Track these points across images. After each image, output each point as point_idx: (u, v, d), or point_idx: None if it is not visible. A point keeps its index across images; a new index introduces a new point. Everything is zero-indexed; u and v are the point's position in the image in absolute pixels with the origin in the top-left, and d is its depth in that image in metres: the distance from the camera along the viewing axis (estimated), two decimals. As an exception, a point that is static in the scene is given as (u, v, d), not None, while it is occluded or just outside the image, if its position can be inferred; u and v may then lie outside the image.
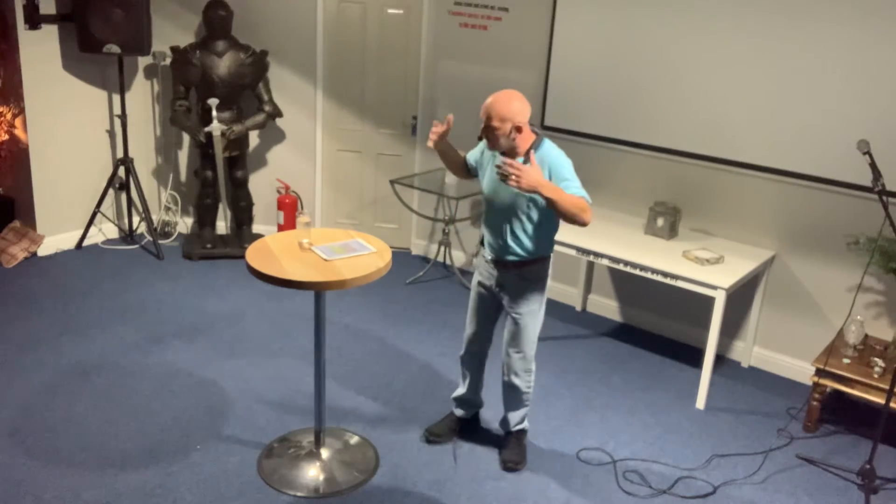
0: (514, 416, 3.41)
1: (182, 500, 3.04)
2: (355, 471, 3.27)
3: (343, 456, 3.36)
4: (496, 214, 3.13)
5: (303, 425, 3.56)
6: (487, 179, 3.14)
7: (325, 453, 3.32)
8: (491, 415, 3.68)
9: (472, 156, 3.26)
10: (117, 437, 3.40)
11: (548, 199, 2.81)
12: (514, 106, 2.90)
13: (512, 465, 3.35)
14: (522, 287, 3.16)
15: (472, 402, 3.57)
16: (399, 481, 3.24)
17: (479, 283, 3.32)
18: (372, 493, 3.15)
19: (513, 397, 3.36)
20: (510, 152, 3.02)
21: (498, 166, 2.78)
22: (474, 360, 3.47)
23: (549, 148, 3.01)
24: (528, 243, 3.09)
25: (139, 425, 3.50)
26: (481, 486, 3.22)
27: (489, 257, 3.22)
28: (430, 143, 3.15)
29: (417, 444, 3.49)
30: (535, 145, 2.98)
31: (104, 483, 3.11)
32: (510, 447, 3.42)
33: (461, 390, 3.55)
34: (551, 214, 3.01)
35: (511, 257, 3.13)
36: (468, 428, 3.61)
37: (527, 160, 2.93)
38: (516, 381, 3.29)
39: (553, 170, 2.94)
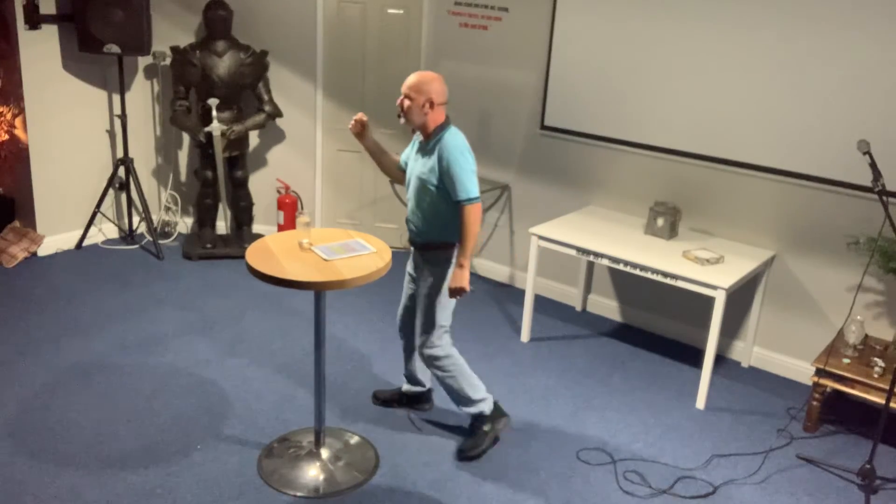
0: (457, 403, 3.48)
1: (182, 500, 3.04)
2: (355, 471, 3.27)
3: (343, 456, 3.36)
4: (411, 194, 3.30)
5: (303, 425, 3.56)
6: (410, 161, 3.34)
7: (325, 453, 3.32)
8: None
9: (403, 155, 3.43)
10: (117, 437, 3.40)
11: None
12: (433, 85, 3.12)
13: (461, 453, 3.43)
14: (425, 267, 3.30)
15: (410, 376, 3.68)
16: (399, 481, 3.24)
17: (408, 272, 3.51)
18: (372, 493, 3.16)
19: (444, 388, 3.44)
20: (422, 129, 3.20)
21: (455, 292, 3.17)
22: (402, 333, 3.61)
23: (452, 136, 3.14)
24: (431, 226, 3.23)
25: (139, 425, 3.50)
26: (481, 487, 3.22)
27: (408, 238, 3.42)
28: (352, 129, 3.33)
29: (417, 444, 3.49)
30: (442, 127, 3.16)
31: (104, 483, 3.11)
32: (469, 434, 3.52)
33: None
34: (447, 202, 3.16)
35: (419, 239, 3.30)
36: (418, 401, 3.75)
37: (430, 145, 3.16)
38: (435, 372, 3.39)
39: (449, 162, 3.09)
